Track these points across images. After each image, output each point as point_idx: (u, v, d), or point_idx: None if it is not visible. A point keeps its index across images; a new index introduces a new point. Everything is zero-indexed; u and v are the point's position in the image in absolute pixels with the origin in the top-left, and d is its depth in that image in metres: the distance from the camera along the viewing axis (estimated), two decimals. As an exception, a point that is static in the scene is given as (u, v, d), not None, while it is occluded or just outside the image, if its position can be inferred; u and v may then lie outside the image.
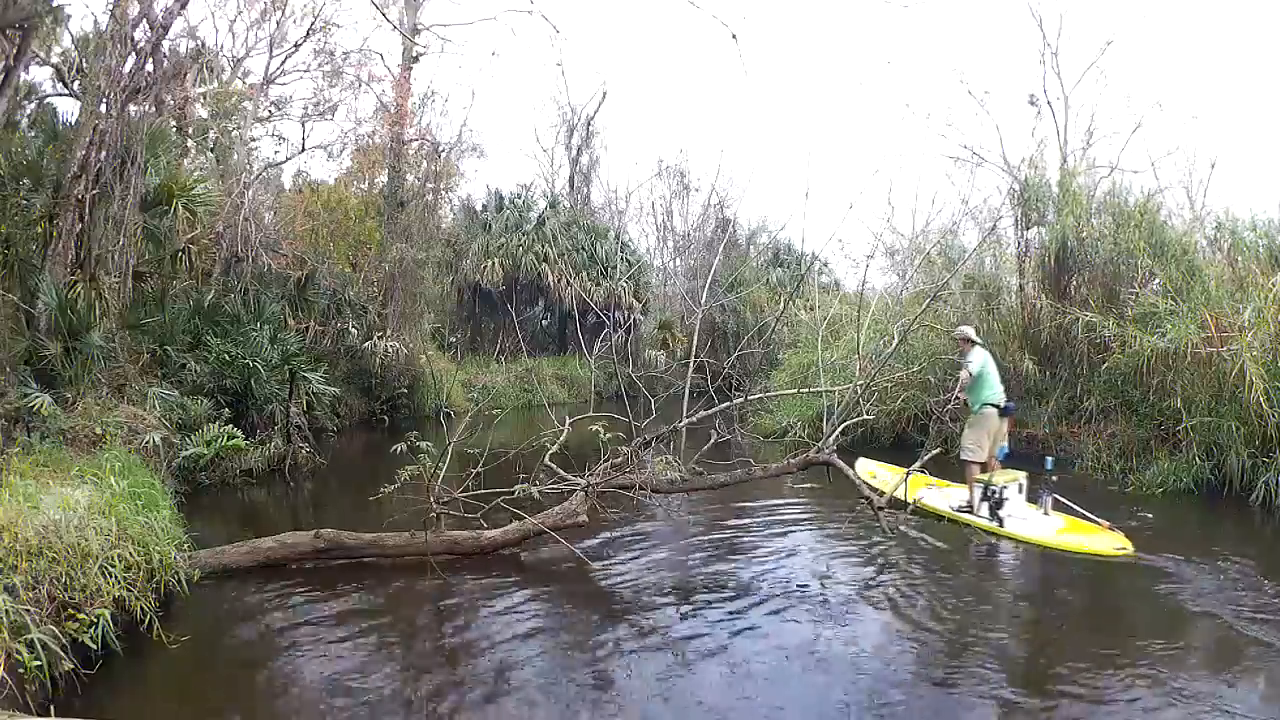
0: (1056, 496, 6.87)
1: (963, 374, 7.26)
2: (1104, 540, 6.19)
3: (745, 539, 7.04)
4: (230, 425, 8.83)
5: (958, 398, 7.54)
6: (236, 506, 8.02)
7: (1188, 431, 8.55)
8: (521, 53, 46.13)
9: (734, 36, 6.81)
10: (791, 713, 3.74)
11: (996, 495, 6.70)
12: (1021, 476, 7.00)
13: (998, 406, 7.28)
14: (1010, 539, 6.52)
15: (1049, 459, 7.73)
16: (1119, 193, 11.24)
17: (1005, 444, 7.48)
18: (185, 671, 4.10)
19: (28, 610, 3.39)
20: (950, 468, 7.75)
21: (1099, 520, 6.52)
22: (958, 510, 7.08)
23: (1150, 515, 7.32)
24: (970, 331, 7.51)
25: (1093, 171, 12.58)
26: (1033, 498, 6.98)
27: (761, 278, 24.22)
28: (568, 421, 6.86)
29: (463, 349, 21.27)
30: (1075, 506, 6.81)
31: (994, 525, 6.64)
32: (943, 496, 7.36)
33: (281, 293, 13.30)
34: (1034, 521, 6.66)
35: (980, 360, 7.29)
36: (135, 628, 4.14)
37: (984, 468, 7.21)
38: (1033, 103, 14.42)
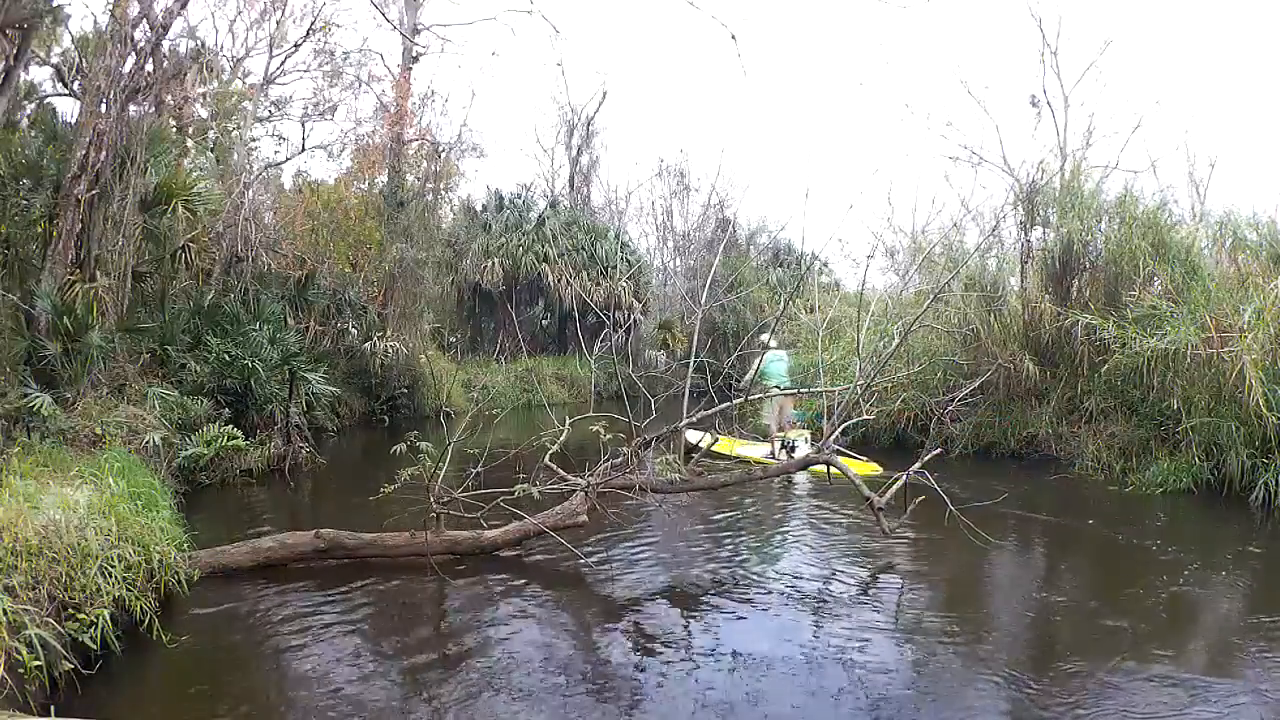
0: (838, 448, 8.91)
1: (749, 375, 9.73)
2: (864, 468, 8.01)
3: (745, 539, 7.05)
4: (230, 425, 8.81)
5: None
6: (236, 506, 8.00)
7: (1187, 432, 8.55)
8: (521, 53, 46.10)
9: (733, 37, 6.77)
10: (792, 712, 3.74)
11: (790, 445, 9.45)
12: (808, 433, 10.24)
13: (779, 388, 9.92)
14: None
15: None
16: (1128, 196, 11.20)
17: (794, 412, 10.62)
18: (185, 671, 4.10)
19: (27, 610, 3.39)
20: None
21: (860, 458, 8.44)
22: (767, 456, 9.58)
23: (1163, 516, 7.58)
24: (766, 339, 10.15)
25: (1094, 171, 12.59)
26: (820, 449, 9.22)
27: (761, 278, 24.15)
28: (568, 421, 6.86)
29: (463, 349, 21.23)
30: (847, 451, 8.47)
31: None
32: (754, 449, 9.81)
33: (281, 293, 13.28)
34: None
35: (763, 361, 9.71)
36: (135, 628, 4.14)
37: (780, 427, 10.16)
38: (1033, 103, 14.46)
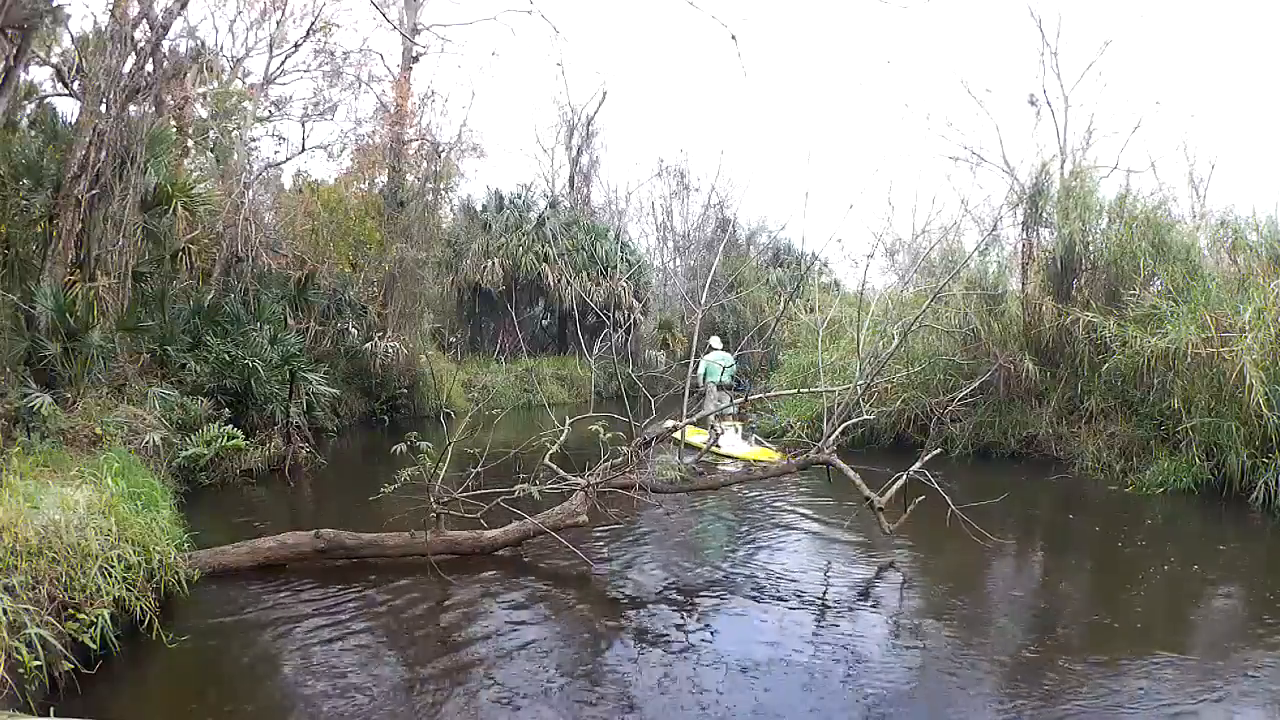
0: (757, 438, 10.93)
1: (698, 372, 11.20)
2: (773, 456, 9.05)
3: (745, 539, 7.05)
4: (230, 425, 8.81)
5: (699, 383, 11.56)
6: (236, 506, 8.00)
7: (1188, 432, 8.55)
8: (521, 53, 46.09)
9: (733, 37, 6.77)
10: (792, 711, 3.74)
11: (718, 433, 10.23)
12: (738, 424, 11.42)
13: (719, 384, 11.55)
14: (729, 455, 10.12)
15: (770, 417, 12.53)
16: (1129, 198, 11.18)
17: (728, 404, 11.39)
18: (185, 671, 4.11)
19: (27, 610, 3.39)
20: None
21: (773, 447, 10.14)
22: (703, 443, 10.40)
23: (1163, 516, 7.70)
24: (711, 341, 11.90)
25: (1094, 171, 12.58)
26: (745, 437, 11.09)
27: (761, 278, 24.17)
28: (568, 421, 6.86)
29: (463, 349, 21.20)
30: (767, 444, 10.11)
31: (719, 449, 10.14)
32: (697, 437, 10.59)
33: (281, 293, 13.27)
34: (741, 448, 10.55)
35: (709, 360, 11.53)
36: (135, 628, 4.14)
37: (718, 418, 10.89)
38: (1033, 103, 14.44)
